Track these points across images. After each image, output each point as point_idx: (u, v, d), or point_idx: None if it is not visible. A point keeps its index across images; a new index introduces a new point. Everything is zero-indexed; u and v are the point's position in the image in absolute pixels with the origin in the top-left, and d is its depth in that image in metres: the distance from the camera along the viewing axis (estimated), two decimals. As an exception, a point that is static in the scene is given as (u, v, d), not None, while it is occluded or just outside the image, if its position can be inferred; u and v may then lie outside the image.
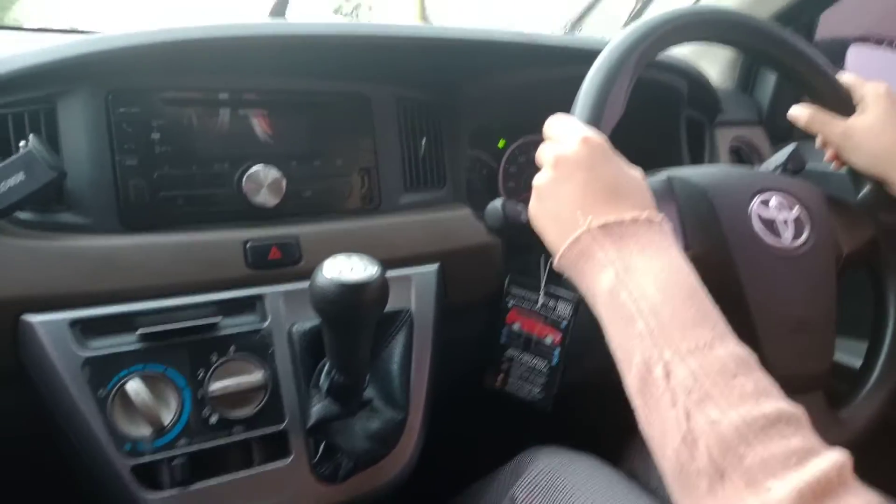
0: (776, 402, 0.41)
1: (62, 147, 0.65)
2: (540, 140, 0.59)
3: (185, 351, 0.64)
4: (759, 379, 0.42)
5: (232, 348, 0.66)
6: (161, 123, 0.68)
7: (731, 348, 0.43)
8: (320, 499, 0.69)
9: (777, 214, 0.69)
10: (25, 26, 0.95)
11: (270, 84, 0.75)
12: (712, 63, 1.24)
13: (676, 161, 1.06)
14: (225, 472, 0.65)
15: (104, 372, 0.61)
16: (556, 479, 0.68)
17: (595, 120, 0.60)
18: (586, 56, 0.64)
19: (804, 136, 1.10)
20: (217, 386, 0.64)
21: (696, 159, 1.10)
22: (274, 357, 0.67)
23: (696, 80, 1.05)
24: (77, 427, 0.59)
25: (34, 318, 0.60)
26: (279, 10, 1.11)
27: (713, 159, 1.10)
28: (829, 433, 0.53)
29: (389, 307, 0.64)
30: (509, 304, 0.81)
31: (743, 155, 1.16)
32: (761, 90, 1.24)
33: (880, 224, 0.73)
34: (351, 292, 0.56)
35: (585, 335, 0.77)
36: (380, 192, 0.81)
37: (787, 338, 0.66)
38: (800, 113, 0.75)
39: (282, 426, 0.67)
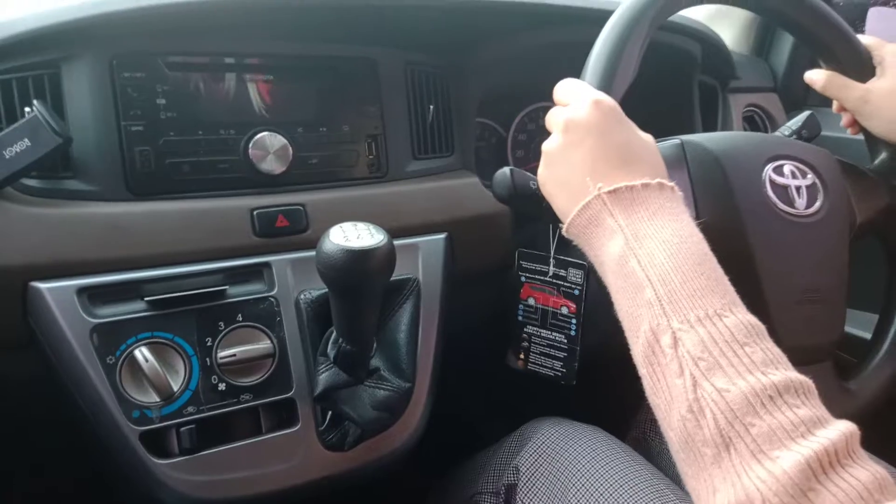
0: (785, 372, 0.40)
1: (67, 113, 0.64)
2: (548, 107, 0.58)
3: (192, 318, 0.64)
4: (768, 348, 0.42)
5: (239, 316, 0.66)
6: (166, 89, 0.67)
7: (741, 317, 0.43)
8: (327, 466, 0.69)
9: (790, 181, 0.67)
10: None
11: (276, 49, 0.74)
12: (727, 27, 1.22)
13: (688, 127, 1.04)
14: (233, 440, 0.65)
15: (112, 339, 0.61)
16: (559, 448, 0.68)
17: (606, 84, 0.58)
18: (598, 17, 0.62)
19: (819, 104, 1.08)
20: (225, 353, 0.64)
21: (709, 125, 1.08)
22: (281, 325, 0.67)
23: (710, 44, 1.03)
24: (86, 394, 0.60)
25: (43, 286, 0.60)
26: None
27: (726, 126, 1.09)
28: (838, 404, 0.52)
29: (396, 275, 0.64)
30: (521, 280, 0.80)
31: (757, 122, 1.14)
32: (776, 56, 1.21)
33: None
34: (357, 259, 0.56)
35: (597, 300, 0.77)
36: (387, 159, 0.80)
37: (797, 307, 0.65)
38: (816, 76, 0.73)
39: (289, 394, 0.67)
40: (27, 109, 0.62)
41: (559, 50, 0.78)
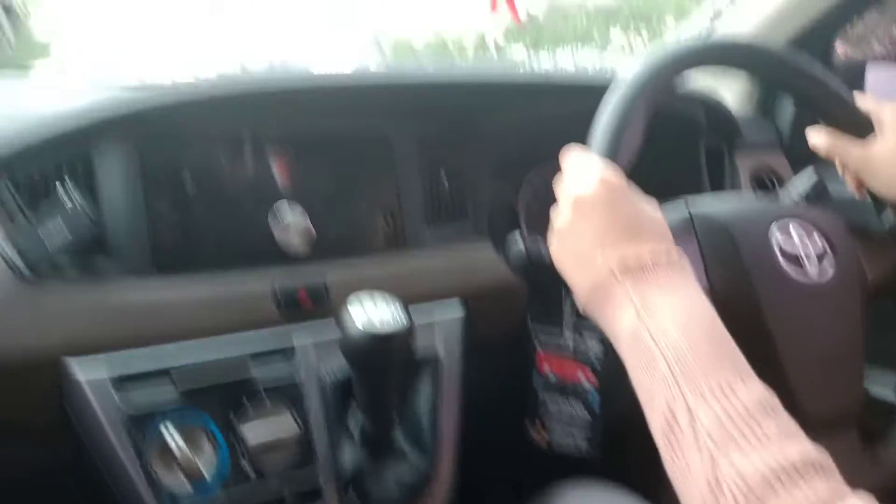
0: (801, 446, 0.41)
1: (99, 195, 0.67)
2: (557, 167, 0.59)
3: (220, 402, 0.66)
4: (783, 422, 0.42)
5: (266, 400, 0.67)
6: (191, 168, 0.71)
7: (755, 390, 0.43)
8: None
9: (800, 247, 0.68)
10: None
11: (295, 128, 0.77)
12: (730, 88, 1.25)
13: (697, 190, 1.06)
14: (260, 523, 0.66)
15: (144, 425, 0.62)
16: None
17: (611, 154, 0.59)
18: (604, 91, 0.64)
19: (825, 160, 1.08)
20: (252, 436, 0.65)
21: (717, 186, 1.09)
22: (306, 406, 0.69)
23: (713, 108, 1.06)
24: (118, 479, 0.61)
25: (77, 371, 0.62)
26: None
27: (734, 186, 1.10)
28: (865, 473, 0.52)
29: (416, 351, 0.65)
30: (537, 349, 0.81)
31: (765, 181, 1.16)
32: (781, 114, 1.23)
33: None
34: (381, 342, 0.57)
35: (616, 368, 0.77)
36: (403, 229, 0.82)
37: (815, 373, 0.65)
38: (817, 139, 0.74)
39: (315, 475, 0.68)
40: (63, 196, 0.65)
41: (566, 118, 0.80)
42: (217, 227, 0.72)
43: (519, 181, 1.08)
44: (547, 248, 0.61)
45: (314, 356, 0.71)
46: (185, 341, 0.67)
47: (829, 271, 0.68)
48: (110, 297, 0.65)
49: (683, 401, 0.43)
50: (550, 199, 0.57)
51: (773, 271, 0.66)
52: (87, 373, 0.62)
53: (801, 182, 0.85)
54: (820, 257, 0.68)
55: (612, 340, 0.51)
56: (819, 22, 1.11)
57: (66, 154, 0.66)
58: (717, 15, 1.19)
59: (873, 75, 1.16)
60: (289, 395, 0.68)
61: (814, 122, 0.78)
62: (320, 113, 0.79)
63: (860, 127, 0.71)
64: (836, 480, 0.40)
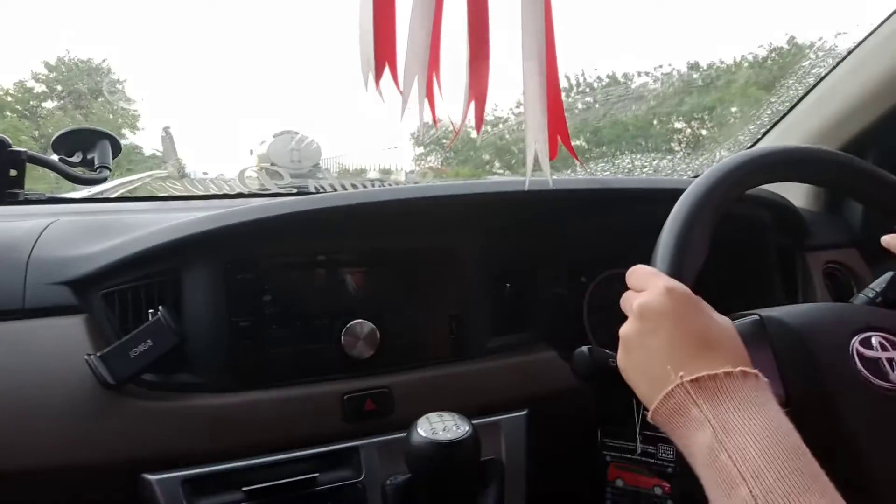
0: None
1: (184, 312, 0.72)
2: (622, 274, 0.59)
3: (285, 507, 0.66)
4: None
5: (328, 502, 0.68)
6: (271, 286, 0.75)
7: None
8: None
9: (880, 353, 0.65)
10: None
11: (364, 244, 0.81)
12: (797, 186, 1.24)
13: (769, 291, 1.03)
14: None
15: (212, 530, 0.63)
16: None
17: (676, 270, 0.59)
18: (668, 196, 0.65)
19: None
20: (316, 543, 0.65)
21: (789, 286, 1.07)
22: (369, 512, 0.68)
23: (780, 209, 1.05)
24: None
25: (152, 476, 0.65)
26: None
27: (807, 285, 1.07)
28: None
29: (480, 457, 0.65)
30: (607, 459, 0.78)
31: (839, 278, 1.12)
32: (851, 209, 1.21)
33: None
34: (444, 451, 0.58)
35: (691, 478, 0.73)
36: (468, 338, 0.83)
37: None
38: (891, 241, 0.72)
39: (378, 586, 0.66)
40: (151, 311, 0.70)
41: (630, 223, 0.81)
42: (292, 340, 0.75)
43: (584, 289, 1.09)
44: (614, 358, 0.61)
45: (377, 458, 0.71)
46: (257, 458, 0.68)
47: None
48: (188, 409, 0.68)
49: None
50: (616, 307, 0.57)
51: (854, 380, 0.63)
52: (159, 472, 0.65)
53: (879, 284, 0.82)
54: None
55: (687, 457, 0.50)
56: (886, 120, 1.11)
57: (156, 270, 0.72)
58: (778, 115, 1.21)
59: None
60: (351, 498, 0.69)
61: (884, 218, 0.77)
62: (391, 229, 0.83)
63: None
64: None
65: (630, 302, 0.56)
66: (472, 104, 0.45)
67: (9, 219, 0.77)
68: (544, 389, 0.82)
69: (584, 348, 0.69)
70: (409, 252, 0.83)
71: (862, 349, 0.65)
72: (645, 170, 1.45)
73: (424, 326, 0.81)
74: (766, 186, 1.08)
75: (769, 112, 1.24)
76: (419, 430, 0.59)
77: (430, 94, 0.45)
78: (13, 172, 0.85)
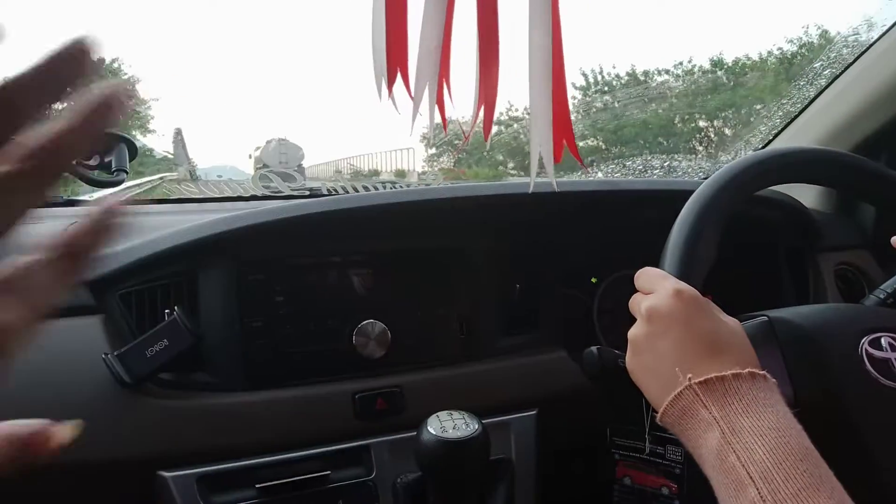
0: None
1: (199, 313, 0.73)
2: (632, 275, 0.60)
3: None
4: None
5: (340, 501, 0.69)
6: (283, 287, 0.76)
7: None
8: None
9: (890, 354, 0.65)
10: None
11: (376, 246, 0.82)
12: (808, 187, 1.23)
13: (779, 292, 1.03)
14: None
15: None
16: None
17: (684, 272, 0.60)
18: (677, 197, 0.65)
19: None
20: (328, 540, 0.66)
21: (800, 287, 1.07)
22: (380, 509, 0.69)
23: (791, 210, 1.05)
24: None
25: (168, 473, 0.66)
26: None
27: (818, 286, 1.07)
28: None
29: (490, 456, 0.65)
30: (615, 457, 0.79)
31: (850, 279, 1.12)
32: (863, 211, 1.20)
33: None
34: (454, 449, 0.58)
35: (699, 478, 0.74)
36: (477, 338, 0.84)
37: None
38: None
39: (389, 583, 0.67)
40: (167, 311, 0.71)
41: (639, 225, 0.82)
42: (304, 340, 0.76)
43: (593, 289, 1.10)
44: (624, 359, 0.61)
45: (388, 456, 0.72)
46: (270, 456, 0.69)
47: None
48: (203, 408, 0.70)
49: None
50: (626, 308, 0.58)
51: (863, 380, 0.63)
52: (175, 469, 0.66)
53: (890, 285, 0.82)
54: None
55: (696, 458, 0.50)
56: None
57: (172, 271, 0.73)
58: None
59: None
60: (363, 497, 0.70)
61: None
62: (401, 230, 0.84)
63: None
64: None
65: (638, 304, 0.56)
66: (482, 109, 0.46)
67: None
68: (554, 389, 0.83)
69: (594, 348, 0.70)
70: (420, 253, 0.84)
71: (871, 350, 0.65)
72: (656, 172, 1.45)
73: (435, 327, 0.82)
74: (778, 187, 1.08)
75: (780, 113, 1.24)
76: (429, 428, 0.60)
77: (440, 100, 0.46)
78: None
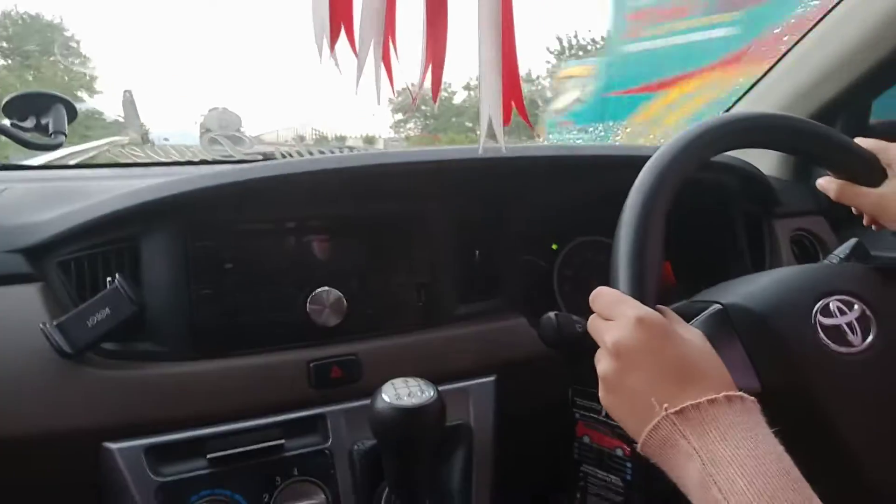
0: None
1: (143, 280, 0.71)
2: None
3: (250, 475, 0.66)
4: None
5: (295, 470, 0.68)
6: (233, 254, 0.74)
7: None
8: None
9: (839, 319, 0.66)
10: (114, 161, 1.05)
11: (332, 210, 0.80)
12: (765, 154, 1.24)
13: (735, 259, 1.04)
14: None
15: (175, 497, 0.64)
16: None
17: (639, 291, 0.56)
18: (631, 164, 0.63)
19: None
20: (281, 508, 0.65)
21: (756, 253, 1.08)
22: (335, 479, 0.69)
23: (747, 176, 1.05)
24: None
25: (113, 445, 0.64)
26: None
27: (774, 253, 1.08)
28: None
29: (447, 422, 0.65)
30: (576, 416, 0.80)
31: (806, 245, 1.14)
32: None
33: None
34: (408, 416, 0.58)
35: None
36: (436, 305, 0.83)
37: (888, 446, 0.62)
38: (828, 185, 0.72)
39: (344, 552, 0.67)
40: (109, 279, 0.69)
41: (600, 191, 0.81)
42: (256, 308, 0.74)
43: (553, 256, 1.09)
44: (581, 324, 0.61)
45: (344, 425, 0.72)
46: (222, 426, 0.68)
47: (875, 335, 0.65)
48: (149, 378, 0.67)
49: None
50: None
51: (821, 353, 0.63)
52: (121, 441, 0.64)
53: (843, 249, 0.83)
54: (862, 324, 0.66)
55: (681, 487, 0.49)
56: (855, 88, 1.11)
57: (113, 237, 0.70)
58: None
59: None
60: (318, 466, 0.69)
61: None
62: (358, 195, 0.81)
63: (869, 171, 0.68)
64: None
65: (601, 334, 0.54)
66: (430, 68, 0.44)
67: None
68: (514, 355, 0.83)
69: (552, 314, 0.69)
70: (376, 219, 0.82)
71: (823, 319, 0.66)
72: (618, 139, 1.45)
73: (392, 294, 0.81)
74: (735, 153, 1.09)
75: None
76: (383, 395, 0.59)
77: (386, 59, 0.44)
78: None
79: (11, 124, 0.83)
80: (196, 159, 0.97)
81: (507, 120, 0.47)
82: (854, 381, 0.63)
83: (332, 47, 0.43)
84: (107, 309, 0.66)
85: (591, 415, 0.80)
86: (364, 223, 0.81)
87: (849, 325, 0.66)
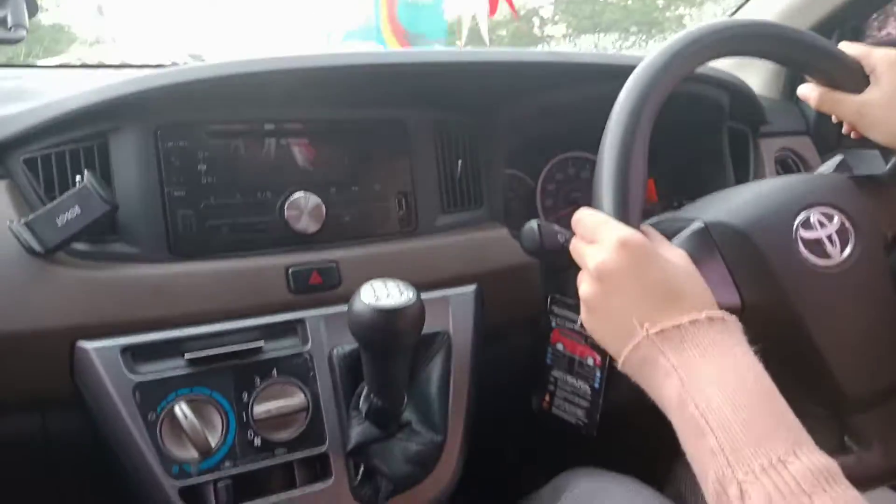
0: None
1: (114, 180, 0.68)
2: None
3: (229, 375, 0.66)
4: (839, 496, 0.40)
5: (274, 372, 0.68)
6: (207, 155, 0.71)
7: (808, 461, 0.41)
8: (362, 521, 0.70)
9: (820, 232, 0.65)
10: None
11: (311, 114, 0.77)
12: (756, 73, 1.22)
13: (720, 175, 1.04)
14: (268, 494, 0.66)
15: (153, 396, 0.63)
16: (595, 501, 0.67)
17: (623, 213, 0.55)
18: (619, 73, 0.61)
19: (854, 144, 1.06)
20: (260, 409, 0.66)
21: (741, 171, 1.07)
22: (315, 380, 0.69)
23: (737, 91, 1.03)
24: (128, 450, 0.62)
25: (88, 345, 0.63)
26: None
27: (758, 171, 1.08)
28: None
29: (427, 329, 0.65)
30: (552, 324, 0.81)
31: (790, 165, 1.13)
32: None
33: None
34: (386, 317, 0.57)
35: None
36: (417, 214, 0.82)
37: (857, 354, 0.63)
38: (808, 92, 0.69)
39: (323, 448, 0.68)
40: (78, 178, 0.66)
41: (583, 104, 0.79)
42: (232, 211, 0.72)
43: (536, 167, 1.08)
44: (563, 233, 0.60)
45: (324, 329, 0.71)
46: (198, 326, 0.67)
47: (853, 247, 0.65)
48: (123, 279, 0.66)
49: (733, 476, 0.42)
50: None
51: (801, 267, 0.63)
52: (96, 340, 0.63)
53: (827, 167, 0.82)
54: (841, 236, 0.66)
55: (659, 404, 0.49)
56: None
57: (81, 134, 0.67)
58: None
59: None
60: (297, 368, 0.69)
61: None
62: (338, 97, 0.79)
63: (852, 78, 0.66)
64: None
65: (583, 257, 0.53)
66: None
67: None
68: (495, 265, 0.83)
69: (533, 222, 0.68)
70: (357, 124, 0.79)
71: (804, 233, 0.65)
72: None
73: (372, 202, 0.79)
74: (726, 69, 1.06)
75: None
76: (362, 297, 0.58)
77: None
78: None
79: (-33, 17, 0.77)
80: (168, 63, 0.93)
81: (493, 10, 0.44)
82: (831, 293, 0.63)
83: None
84: (77, 208, 0.64)
85: (567, 324, 0.81)
86: (344, 128, 0.79)
87: (829, 237, 0.66)
